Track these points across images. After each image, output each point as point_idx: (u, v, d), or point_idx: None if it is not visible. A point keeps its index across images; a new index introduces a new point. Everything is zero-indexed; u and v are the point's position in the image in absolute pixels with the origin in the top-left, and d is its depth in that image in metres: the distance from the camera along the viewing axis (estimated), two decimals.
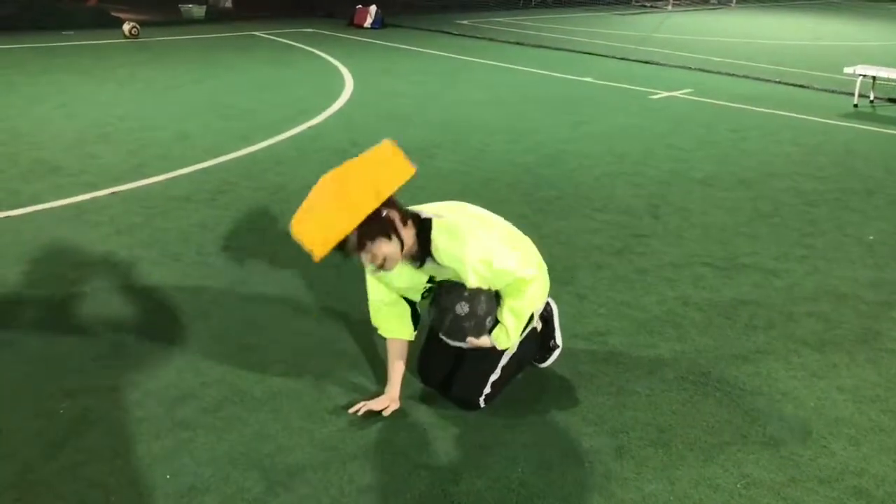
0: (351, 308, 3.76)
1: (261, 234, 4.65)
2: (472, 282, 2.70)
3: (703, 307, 3.92)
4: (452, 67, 10.87)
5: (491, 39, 13.77)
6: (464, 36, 14.20)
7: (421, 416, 2.93)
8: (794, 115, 8.40)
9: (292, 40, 12.79)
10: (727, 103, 8.78)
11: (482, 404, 2.97)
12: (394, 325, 2.99)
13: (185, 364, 3.22)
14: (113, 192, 5.24)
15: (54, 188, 5.29)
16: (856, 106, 8.89)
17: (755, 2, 24.46)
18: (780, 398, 3.13)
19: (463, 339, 2.89)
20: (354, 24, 14.86)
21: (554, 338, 3.28)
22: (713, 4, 22.79)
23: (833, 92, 9.64)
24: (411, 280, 2.86)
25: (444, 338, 2.96)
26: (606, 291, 4.03)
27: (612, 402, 3.06)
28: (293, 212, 4.82)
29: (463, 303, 2.79)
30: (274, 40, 12.83)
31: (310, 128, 7.13)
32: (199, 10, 15.13)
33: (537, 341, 3.21)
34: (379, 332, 3.04)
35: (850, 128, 7.96)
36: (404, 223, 2.64)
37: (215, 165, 5.92)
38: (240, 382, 3.10)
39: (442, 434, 2.83)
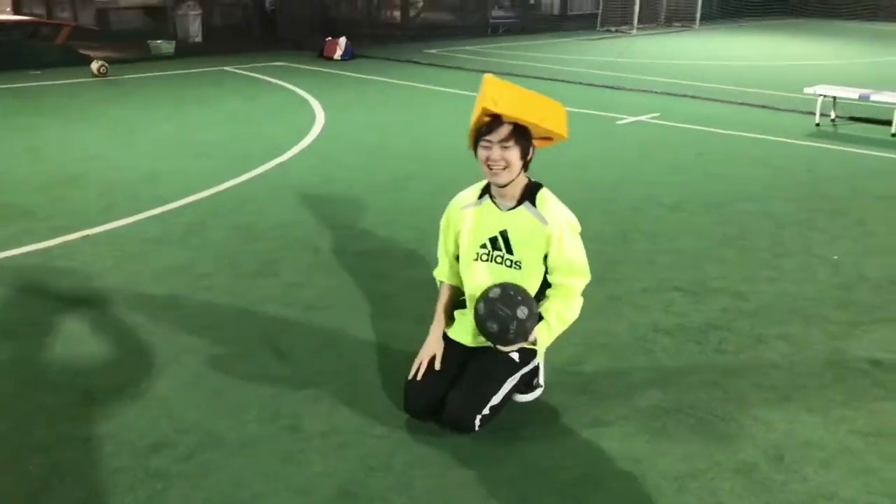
0: (326, 349, 3.76)
1: (233, 274, 4.65)
2: (557, 239, 2.97)
3: (674, 333, 3.97)
4: (423, 97, 10.96)
5: (460, 68, 13.90)
6: (433, 65, 14.33)
7: (400, 454, 2.94)
8: (759, 136, 8.55)
9: (262, 74, 12.83)
10: (693, 126, 8.92)
11: (477, 426, 3.01)
12: (450, 273, 3.29)
13: (158, 410, 3.20)
14: (84, 236, 5.22)
15: (24, 233, 5.26)
16: (818, 125, 9.07)
17: (717, 24, 24.91)
18: (752, 422, 3.17)
19: (524, 339, 3.00)
20: (324, 57, 14.94)
21: (538, 376, 3.32)
22: (676, 28, 23.18)
23: (796, 112, 9.83)
24: (477, 231, 3.13)
25: (498, 346, 3.04)
26: (579, 320, 4.04)
27: (589, 434, 3.08)
28: (265, 251, 4.84)
29: (522, 308, 2.93)
30: (244, 75, 12.87)
31: (281, 164, 7.15)
32: (168, 46, 15.14)
33: (524, 378, 3.25)
34: (439, 277, 3.36)
35: (813, 147, 8.11)
36: (525, 168, 3.03)
37: (186, 205, 5.91)
38: (214, 428, 3.09)
39: (420, 472, 2.83)
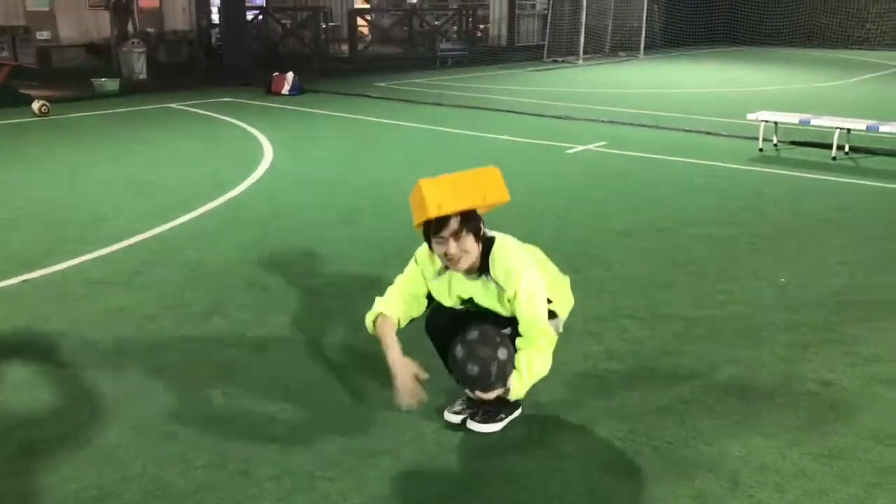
0: (276, 389, 3.68)
1: (180, 315, 4.54)
2: (516, 301, 3.01)
3: (628, 360, 3.98)
4: (372, 131, 10.96)
5: (409, 101, 13.96)
6: (382, 98, 14.37)
7: (354, 497, 2.87)
8: (705, 162, 8.71)
9: (209, 111, 12.72)
10: (641, 154, 9.05)
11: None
12: (399, 309, 3.27)
13: (104, 459, 3.09)
14: (24, 280, 5.07)
15: None
16: (761, 150, 9.28)
17: (661, 53, 25.48)
18: (707, 448, 3.18)
19: (503, 385, 3.03)
20: (272, 92, 14.87)
21: (502, 411, 3.33)
22: (621, 57, 23.63)
23: (739, 137, 10.04)
24: (450, 295, 3.19)
25: (475, 393, 3.08)
26: None
27: (546, 467, 3.06)
28: (213, 290, 4.74)
29: (502, 349, 2.99)
30: (190, 111, 12.75)
31: (229, 200, 7.06)
32: (112, 84, 14.94)
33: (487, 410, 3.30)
34: (381, 310, 3.28)
35: (757, 172, 8.28)
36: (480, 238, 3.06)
37: (132, 245, 5.79)
38: (162, 475, 2.99)
39: None
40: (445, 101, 13.63)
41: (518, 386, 3.09)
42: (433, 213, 2.87)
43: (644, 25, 24.31)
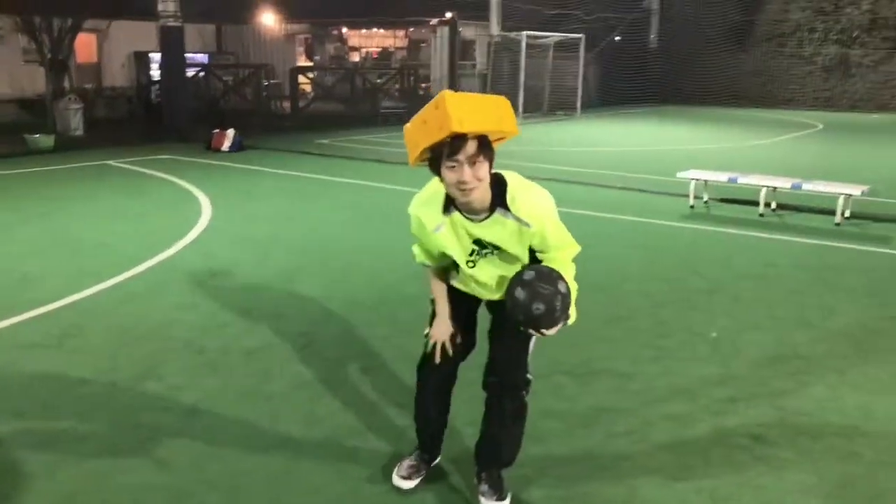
0: (209, 456, 3.61)
1: (111, 379, 4.44)
2: (540, 235, 2.90)
3: (565, 417, 4.01)
4: (314, 188, 10.98)
5: (351, 158, 14.04)
6: (324, 155, 14.43)
7: None
8: (639, 219, 8.93)
9: (147, 168, 12.59)
10: (578, 211, 9.24)
11: (530, 377, 3.17)
12: (436, 263, 3.19)
13: None
14: None
15: None
16: (692, 207, 9.57)
17: (597, 112, 26.19)
18: None
19: (567, 318, 2.93)
20: (212, 149, 14.82)
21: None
22: (559, 116, 24.22)
23: (672, 195, 10.33)
24: (458, 243, 2.99)
25: (542, 331, 2.92)
26: (470, 412, 4.04)
27: None
28: (146, 353, 4.65)
29: (561, 282, 2.87)
30: (127, 168, 12.60)
31: (165, 260, 6.96)
32: (46, 140, 14.69)
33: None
34: (419, 260, 3.26)
35: (689, 229, 8.52)
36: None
37: (63, 307, 5.65)
38: None
39: None
40: (387, 158, 13.75)
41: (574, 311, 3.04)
42: (456, 127, 2.61)
43: (580, 85, 25.02)
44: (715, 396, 4.28)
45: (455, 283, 3.23)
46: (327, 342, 5.02)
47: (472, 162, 2.70)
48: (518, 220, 2.86)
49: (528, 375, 3.18)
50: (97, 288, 6.08)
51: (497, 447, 3.24)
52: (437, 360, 3.17)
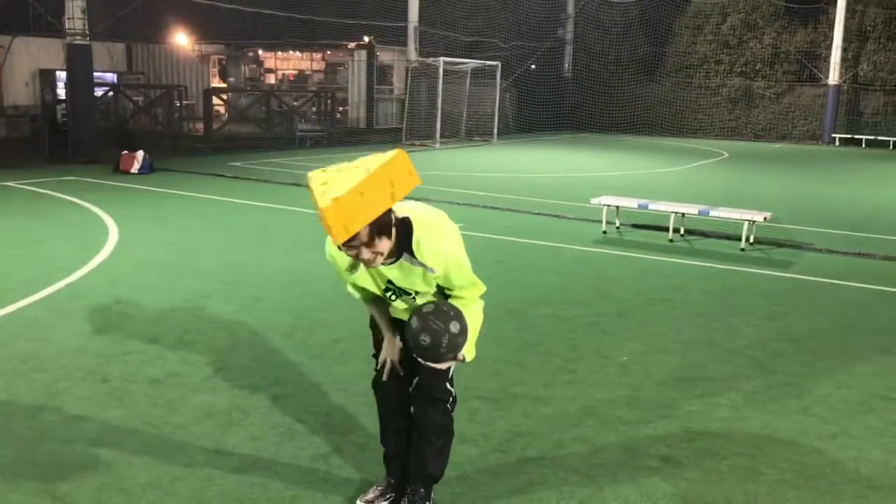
0: (110, 489, 3.46)
1: (8, 411, 4.22)
2: (444, 277, 2.98)
3: (479, 442, 4.02)
4: (225, 211, 10.76)
5: (266, 181, 13.86)
6: (237, 178, 14.19)
7: None
8: (552, 244, 9.08)
9: (51, 190, 12.14)
10: (493, 236, 9.33)
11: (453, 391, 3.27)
12: (364, 294, 3.24)
13: None
14: None
15: None
16: (604, 232, 9.78)
17: (513, 138, 26.61)
18: None
19: (454, 357, 3.04)
20: (121, 171, 14.39)
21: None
22: (476, 142, 24.50)
23: (585, 220, 10.55)
24: (374, 282, 3.08)
25: (427, 362, 3.06)
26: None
27: None
28: (47, 382, 4.46)
29: (455, 322, 2.95)
30: (29, 191, 12.11)
31: (68, 285, 6.70)
32: None
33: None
34: (354, 294, 3.27)
35: (601, 254, 8.70)
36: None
37: None
38: None
39: None
40: (302, 182, 13.58)
41: (471, 349, 3.15)
42: (342, 238, 2.63)
43: (497, 112, 25.40)
44: (625, 419, 4.35)
45: (390, 311, 3.30)
46: (237, 370, 4.91)
47: (368, 245, 2.75)
48: (423, 265, 2.94)
49: (451, 389, 3.27)
50: None
51: (422, 461, 3.28)
52: (385, 377, 3.26)
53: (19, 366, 4.85)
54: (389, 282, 3.06)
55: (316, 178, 2.69)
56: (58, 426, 4.05)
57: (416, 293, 3.08)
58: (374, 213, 2.66)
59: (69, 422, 4.10)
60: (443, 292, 3.15)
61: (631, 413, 4.43)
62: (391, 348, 3.25)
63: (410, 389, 3.28)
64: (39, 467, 3.63)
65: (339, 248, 2.79)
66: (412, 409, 3.28)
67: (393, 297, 3.13)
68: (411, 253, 2.92)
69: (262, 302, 6.40)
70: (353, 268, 3.01)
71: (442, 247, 2.96)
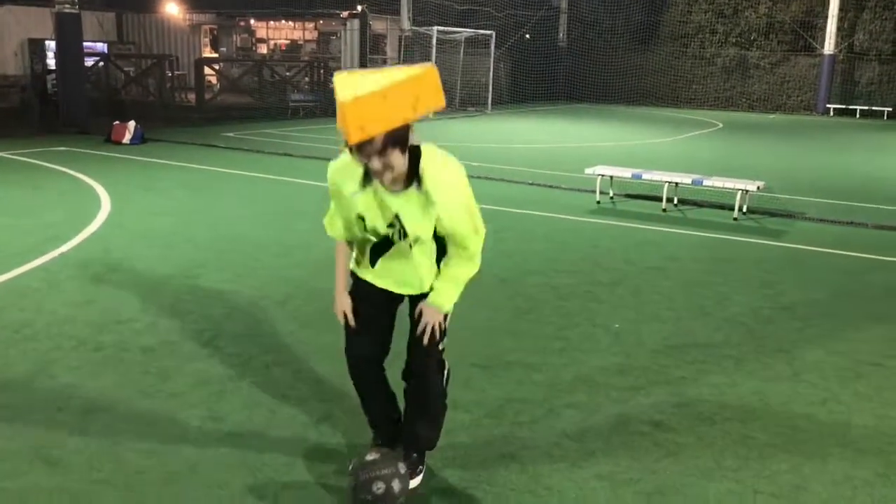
0: (103, 456, 3.48)
1: (2, 380, 4.22)
2: (444, 217, 2.86)
3: (472, 408, 4.04)
4: (218, 182, 10.72)
5: (258, 151, 13.79)
6: (230, 149, 14.12)
7: None
8: (546, 213, 9.07)
9: (42, 160, 12.06)
10: (487, 206, 9.25)
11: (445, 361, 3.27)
12: (343, 233, 3.13)
13: None
14: None
15: None
16: (598, 203, 9.78)
17: (507, 108, 26.49)
18: (545, 493, 3.26)
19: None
20: (112, 141, 14.31)
21: (423, 463, 3.40)
22: (470, 112, 24.38)
23: (579, 191, 10.53)
24: (381, 215, 2.92)
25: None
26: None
27: None
28: (40, 351, 4.46)
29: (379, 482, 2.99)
30: (20, 161, 12.03)
31: (60, 255, 6.68)
32: None
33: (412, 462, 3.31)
34: (332, 234, 3.17)
35: (594, 223, 8.71)
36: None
37: None
38: None
39: None
40: (295, 152, 13.55)
41: (445, 299, 3.09)
42: (355, 138, 2.54)
43: (491, 82, 25.25)
44: (617, 385, 4.38)
45: (369, 278, 3.18)
46: (230, 338, 4.92)
47: (380, 154, 2.65)
48: (428, 195, 2.84)
49: (444, 359, 3.27)
50: None
51: (414, 432, 3.32)
52: (353, 325, 3.21)
53: (12, 335, 4.85)
54: (396, 217, 2.91)
55: (342, 76, 2.60)
56: (51, 394, 4.06)
57: (416, 240, 2.96)
58: (394, 121, 2.59)
59: (62, 389, 4.11)
60: (442, 246, 3.06)
61: (623, 380, 4.45)
62: (342, 300, 3.21)
63: (403, 368, 3.26)
64: (33, 434, 3.64)
65: (350, 151, 2.68)
66: (406, 385, 3.28)
67: (395, 236, 3.00)
68: (418, 180, 2.84)
69: (255, 271, 6.40)
70: (361, 189, 2.89)
71: (446, 177, 2.87)
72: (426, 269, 3.11)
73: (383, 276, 3.16)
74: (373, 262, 3.14)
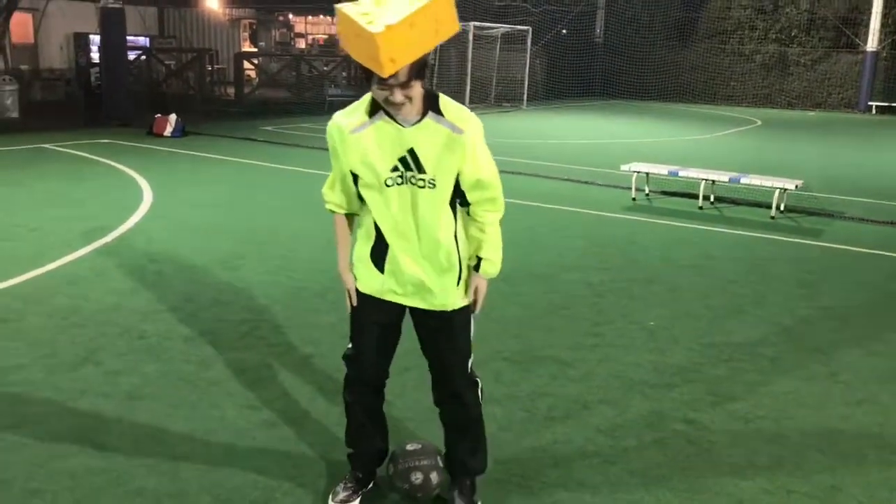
0: (148, 440, 3.59)
1: (49, 365, 4.36)
2: (471, 150, 2.73)
3: (504, 402, 4.09)
4: (257, 175, 10.87)
5: (296, 145, 13.94)
6: (269, 142, 14.29)
7: None
8: (582, 210, 9.07)
9: (86, 152, 12.32)
10: (522, 202, 9.32)
11: (478, 379, 3.11)
12: (349, 204, 2.94)
13: None
14: None
15: None
16: (634, 199, 9.75)
17: (543, 104, 26.42)
18: (578, 488, 3.30)
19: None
20: (154, 134, 14.56)
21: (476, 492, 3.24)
22: (506, 108, 24.36)
23: (614, 187, 10.51)
24: (382, 153, 2.71)
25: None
26: (413, 394, 4.09)
27: None
28: (86, 338, 4.58)
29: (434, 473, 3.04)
30: (66, 152, 12.31)
31: (105, 245, 6.84)
32: None
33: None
34: (331, 208, 2.98)
35: (630, 220, 8.69)
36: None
37: None
38: None
39: None
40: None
41: (492, 268, 2.96)
42: (389, 70, 2.43)
43: (527, 78, 25.21)
44: (651, 382, 4.40)
45: (376, 288, 2.91)
46: (270, 329, 5.02)
47: (403, 86, 2.56)
48: (451, 125, 2.70)
49: (476, 378, 3.09)
50: (35, 273, 5.96)
51: (462, 458, 3.14)
52: (354, 302, 2.98)
53: (61, 321, 5.00)
54: (410, 152, 2.70)
55: (351, 7, 2.46)
56: (97, 380, 4.18)
57: (432, 181, 2.73)
58: (421, 49, 2.49)
59: (108, 376, 4.23)
60: (462, 198, 2.85)
61: (657, 377, 4.47)
62: (348, 278, 2.97)
63: (433, 394, 3.13)
64: (81, 418, 3.76)
65: (374, 86, 2.57)
66: (439, 411, 3.14)
67: (392, 183, 2.74)
68: (438, 112, 2.70)
69: (294, 263, 6.50)
70: (361, 125, 2.72)
71: (470, 114, 2.76)
72: (443, 237, 2.82)
73: (394, 279, 2.88)
74: (380, 262, 2.87)
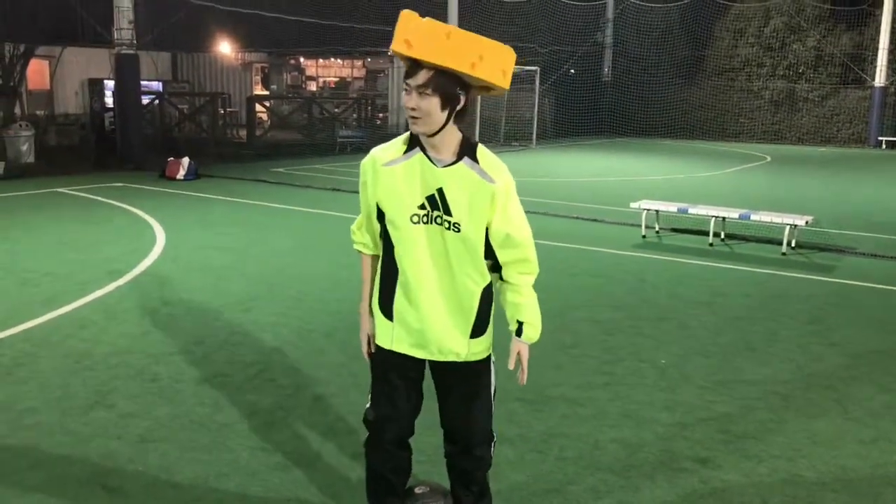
0: (160, 484, 3.59)
1: (62, 408, 4.39)
2: (502, 202, 2.69)
3: (516, 443, 4.08)
4: (269, 216, 10.96)
5: (307, 186, 14.06)
6: (280, 184, 14.42)
7: None
8: (590, 248, 9.10)
9: (100, 196, 12.47)
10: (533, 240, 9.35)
11: (494, 434, 3.05)
12: (375, 245, 2.93)
13: None
14: None
15: None
16: (644, 237, 9.77)
17: (551, 143, 26.58)
18: None
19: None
20: (167, 177, 14.72)
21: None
22: (515, 147, 24.53)
23: (624, 224, 10.54)
24: (410, 189, 2.69)
25: None
26: (423, 437, 4.07)
27: None
28: (98, 381, 4.61)
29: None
30: (80, 196, 12.46)
31: (118, 288, 6.90)
32: None
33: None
34: (358, 247, 3.00)
35: (640, 258, 8.70)
36: (457, 117, 2.64)
37: (12, 336, 5.57)
38: None
39: None
40: (343, 187, 13.78)
41: (534, 332, 3.03)
42: (401, 48, 2.48)
43: (535, 117, 25.40)
44: (662, 421, 4.38)
45: (383, 331, 2.93)
46: (280, 370, 5.03)
47: (419, 91, 2.56)
48: (483, 172, 2.67)
49: (493, 435, 3.06)
50: (48, 316, 6.01)
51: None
52: (371, 349, 3.03)
53: (73, 364, 5.03)
54: (438, 191, 2.67)
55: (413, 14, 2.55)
56: (109, 422, 4.20)
57: (457, 224, 2.68)
58: (445, 60, 2.49)
59: (120, 418, 4.25)
60: (494, 261, 2.84)
61: (668, 415, 4.45)
62: (367, 326, 3.01)
63: (445, 443, 3.08)
64: (92, 461, 3.77)
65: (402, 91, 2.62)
66: (452, 466, 3.09)
67: (424, 219, 2.70)
68: (474, 159, 2.68)
69: (304, 304, 6.54)
70: (395, 160, 2.71)
71: (507, 172, 2.73)
72: (472, 286, 2.81)
73: (403, 328, 2.87)
74: (388, 306, 2.89)
